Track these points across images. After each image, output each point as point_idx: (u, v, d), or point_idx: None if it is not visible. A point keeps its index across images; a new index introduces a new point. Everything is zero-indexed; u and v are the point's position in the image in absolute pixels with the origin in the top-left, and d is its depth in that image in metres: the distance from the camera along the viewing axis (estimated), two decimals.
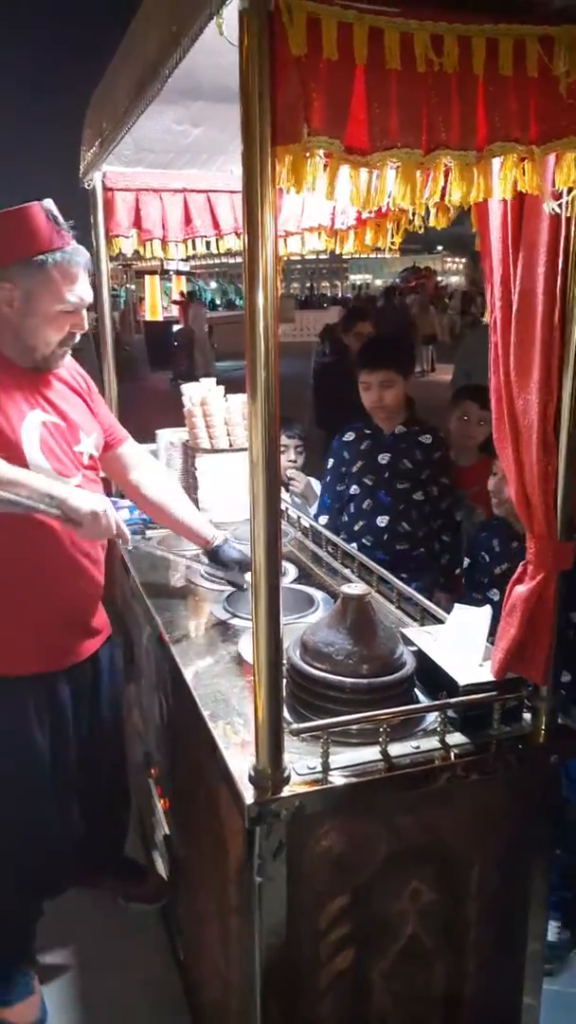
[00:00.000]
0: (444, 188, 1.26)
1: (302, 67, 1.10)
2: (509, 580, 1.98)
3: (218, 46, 1.23)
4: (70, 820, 2.12)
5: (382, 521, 2.74)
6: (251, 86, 1.10)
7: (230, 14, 1.12)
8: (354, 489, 2.83)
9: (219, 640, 1.98)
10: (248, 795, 1.33)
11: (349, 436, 2.88)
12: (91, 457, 2.01)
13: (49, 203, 1.80)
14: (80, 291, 1.83)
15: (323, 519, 2.91)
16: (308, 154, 1.13)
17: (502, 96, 1.19)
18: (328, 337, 5.82)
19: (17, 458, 1.79)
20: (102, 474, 2.13)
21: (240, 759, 1.43)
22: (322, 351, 5.71)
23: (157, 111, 1.98)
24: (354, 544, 2.74)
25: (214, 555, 2.23)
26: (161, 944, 2.33)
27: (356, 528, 2.80)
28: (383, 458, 2.78)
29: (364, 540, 2.75)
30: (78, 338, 1.93)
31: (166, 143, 2.48)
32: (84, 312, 1.88)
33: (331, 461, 2.93)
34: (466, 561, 2.57)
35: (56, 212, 1.80)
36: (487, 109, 1.19)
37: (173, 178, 2.81)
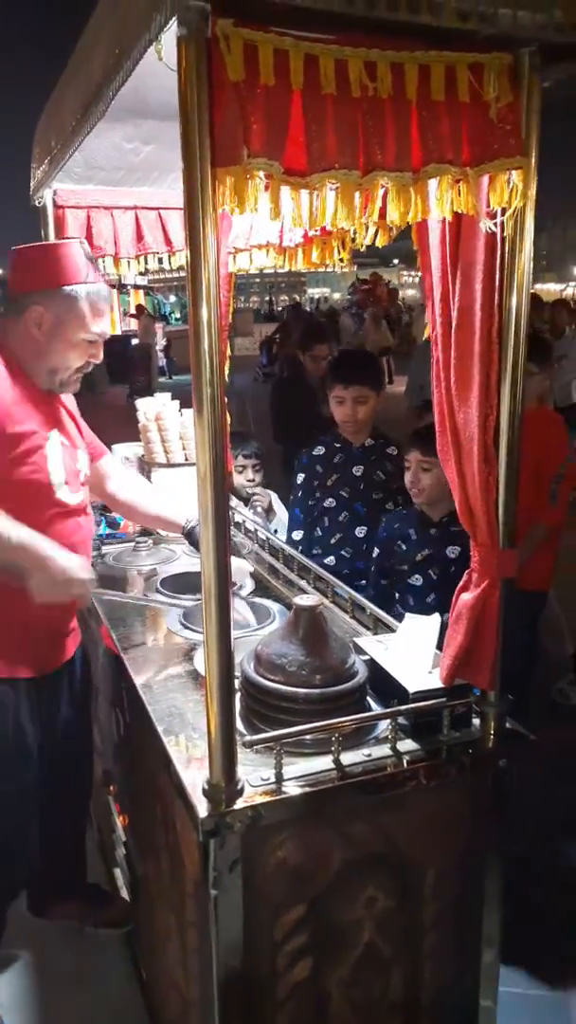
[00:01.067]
0: (383, 208, 1.30)
1: (240, 92, 1.13)
2: (430, 566, 2.04)
3: (164, 67, 1.26)
4: (33, 828, 2.13)
5: (360, 532, 2.77)
6: (190, 110, 1.13)
7: (169, 40, 1.14)
8: (329, 502, 2.83)
9: (175, 655, 1.99)
10: (202, 808, 1.34)
11: (319, 450, 2.90)
12: (86, 475, 2.12)
13: (85, 244, 2.02)
14: (104, 325, 1.98)
15: (297, 534, 2.91)
16: (249, 176, 1.15)
17: (435, 120, 1.23)
18: (267, 348, 5.86)
19: (46, 478, 1.90)
20: None
21: (195, 773, 1.44)
22: (262, 365, 5.74)
23: (106, 129, 2.00)
24: (331, 557, 2.77)
25: (191, 537, 2.29)
26: (123, 962, 2.31)
27: (333, 540, 2.81)
28: (357, 470, 2.81)
29: (343, 552, 2.77)
30: (91, 367, 2.04)
31: (116, 161, 2.49)
32: (101, 345, 2.01)
33: (301, 476, 2.92)
34: (376, 551, 2.60)
35: (90, 252, 2.00)
36: (421, 132, 1.23)
37: (124, 195, 2.82)
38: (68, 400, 2.14)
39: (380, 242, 1.59)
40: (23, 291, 1.91)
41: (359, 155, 1.21)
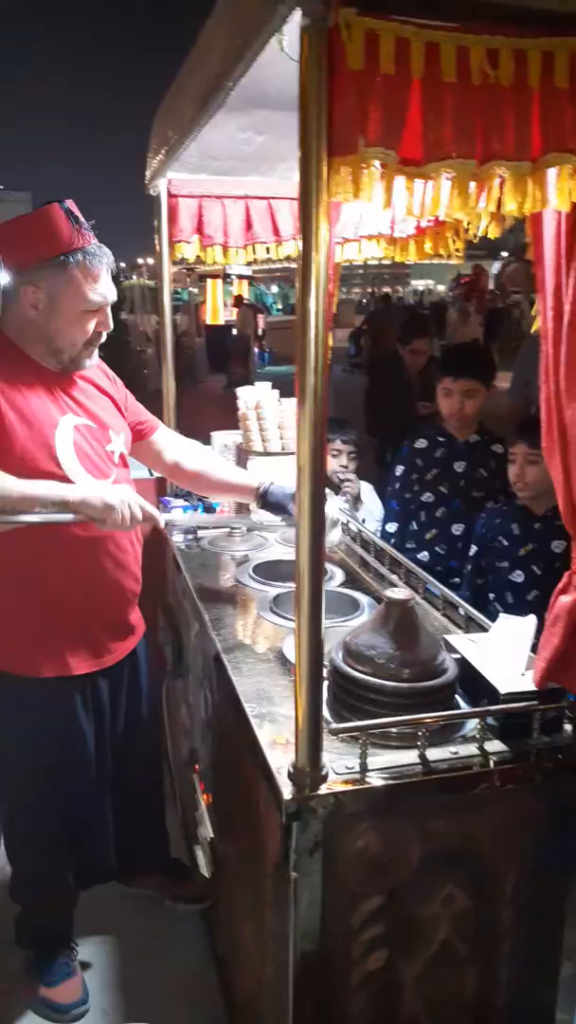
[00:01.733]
0: (499, 199, 1.28)
1: (359, 81, 1.13)
2: (534, 561, 2.05)
3: (282, 56, 1.27)
4: (105, 815, 2.20)
5: (457, 530, 2.73)
6: (310, 99, 1.14)
7: (291, 30, 1.15)
8: (427, 497, 2.81)
9: (264, 640, 2.01)
10: (286, 791, 1.36)
11: (421, 443, 2.86)
12: (121, 456, 2.04)
13: (69, 203, 1.81)
14: (103, 289, 1.84)
15: (391, 527, 2.90)
16: (364, 165, 1.15)
17: (558, 108, 1.20)
18: (355, 339, 5.79)
19: (52, 465, 1.81)
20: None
21: (280, 756, 1.46)
22: (350, 356, 5.66)
23: (222, 120, 2.03)
24: (424, 553, 2.74)
25: (265, 501, 2.24)
26: (201, 938, 2.37)
27: (428, 536, 2.78)
28: (459, 466, 2.77)
29: (438, 548, 2.74)
30: (104, 337, 1.93)
31: (230, 151, 2.53)
32: (108, 311, 1.89)
33: (400, 468, 2.90)
34: (473, 548, 2.54)
35: (76, 212, 1.81)
36: (542, 120, 1.20)
37: (235, 185, 2.86)
38: (97, 376, 2.04)
39: (492, 234, 1.56)
40: (11, 274, 1.81)
41: (476, 144, 1.20)
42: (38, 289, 1.79)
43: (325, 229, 1.18)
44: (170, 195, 2.85)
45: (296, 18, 1.12)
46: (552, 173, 1.25)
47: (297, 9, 1.10)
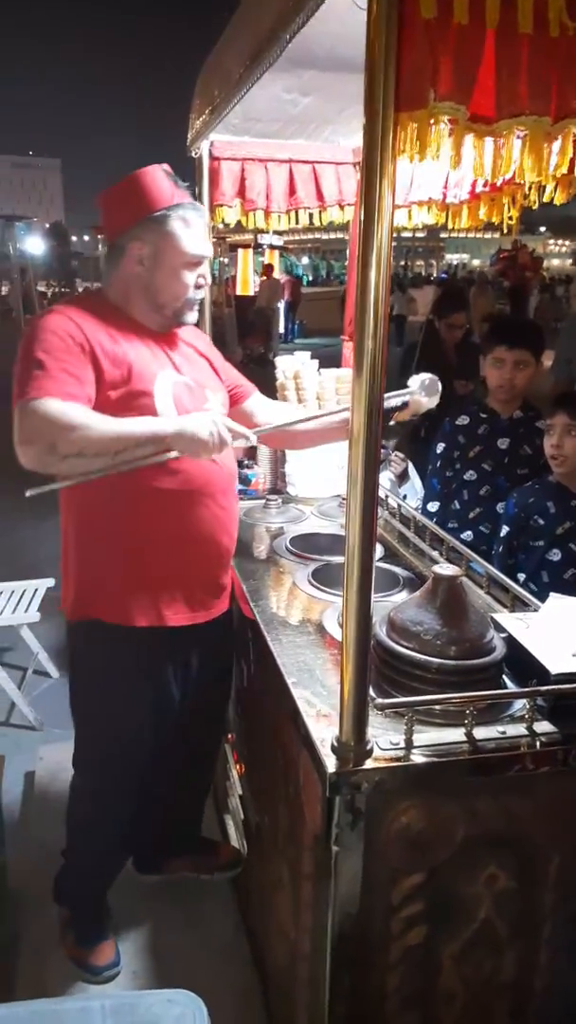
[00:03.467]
0: (573, 160, 1.22)
1: (431, 31, 1.08)
2: (572, 539, 2.06)
3: (337, 13, 1.21)
4: (165, 784, 2.20)
5: (502, 508, 2.65)
6: (378, 49, 1.09)
7: None
8: (469, 475, 2.73)
9: (303, 612, 1.99)
10: (330, 764, 1.34)
11: (463, 420, 2.78)
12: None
13: (166, 166, 1.91)
14: (202, 244, 1.91)
15: (433, 505, 2.83)
16: (433, 121, 1.10)
17: None
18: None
19: (151, 415, 1.80)
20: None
21: (323, 729, 1.44)
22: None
23: (268, 80, 1.97)
24: (468, 532, 2.68)
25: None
26: (231, 905, 2.38)
27: (472, 515, 2.71)
28: (503, 443, 2.70)
29: (481, 527, 2.67)
30: (204, 292, 1.99)
31: (275, 112, 2.47)
32: (208, 266, 1.95)
33: (441, 446, 2.82)
34: (504, 529, 2.48)
35: (172, 173, 1.91)
36: None
37: (279, 148, 2.79)
38: (195, 339, 2.09)
39: (558, 199, 1.50)
40: (118, 233, 1.88)
41: (551, 100, 1.15)
42: (143, 244, 1.86)
43: (389, 187, 1.14)
44: (212, 158, 2.78)
45: None
46: None
47: None
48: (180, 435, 1.71)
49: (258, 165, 2.81)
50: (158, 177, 1.86)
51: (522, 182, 1.56)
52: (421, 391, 2.07)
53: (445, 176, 2.12)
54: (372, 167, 1.13)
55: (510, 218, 1.85)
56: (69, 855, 2.25)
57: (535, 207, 1.75)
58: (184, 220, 1.86)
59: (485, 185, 1.91)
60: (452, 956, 1.49)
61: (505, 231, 2.17)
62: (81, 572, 1.94)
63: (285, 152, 2.82)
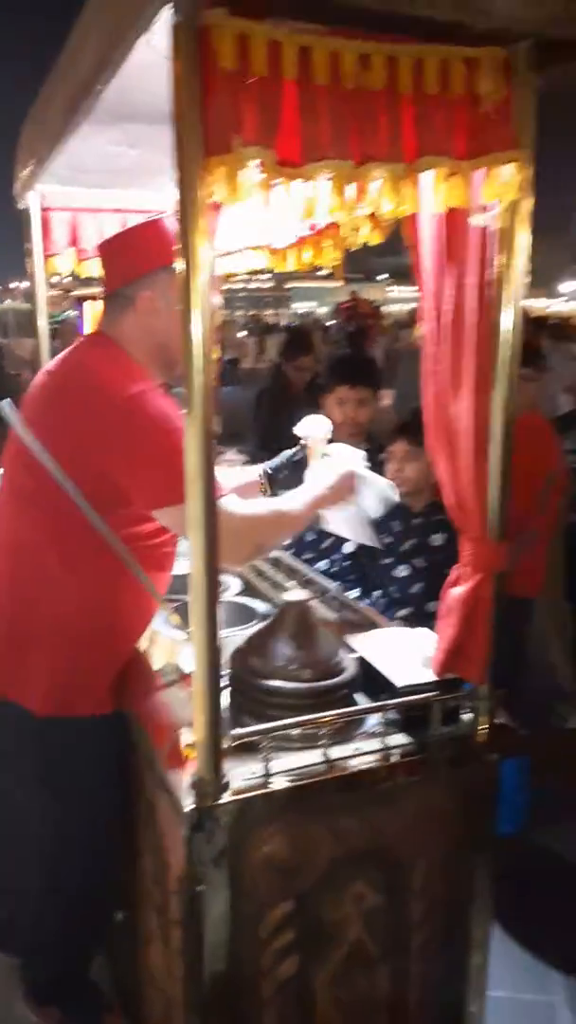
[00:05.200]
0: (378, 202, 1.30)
1: (233, 81, 1.13)
2: (416, 555, 2.16)
3: (153, 68, 1.25)
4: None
5: (348, 548, 2.76)
6: (182, 98, 1.13)
7: (161, 30, 1.14)
8: None
9: (164, 655, 1.96)
10: (188, 802, 1.33)
11: None
12: None
13: (168, 216, 1.86)
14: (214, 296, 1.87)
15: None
16: (241, 165, 1.15)
17: (429, 113, 1.24)
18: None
19: None
20: None
21: (181, 770, 1.42)
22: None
23: (93, 133, 1.99)
24: (323, 562, 2.74)
25: (272, 477, 2.24)
26: (104, 973, 2.26)
27: (324, 546, 2.78)
28: None
29: (334, 556, 2.75)
30: None
31: (103, 164, 2.48)
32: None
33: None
34: (351, 546, 2.60)
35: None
36: (416, 124, 1.23)
37: (111, 198, 2.82)
38: None
39: (375, 240, 1.59)
40: (127, 281, 1.80)
41: (353, 146, 1.22)
42: (157, 295, 1.77)
43: (205, 228, 1.18)
44: (43, 208, 2.77)
45: (166, 16, 1.11)
46: (428, 177, 1.30)
47: (167, 7, 1.09)
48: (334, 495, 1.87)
49: (90, 215, 2.82)
50: (169, 226, 1.80)
51: (340, 225, 1.66)
52: (310, 434, 2.16)
53: (273, 221, 2.20)
54: (187, 211, 1.17)
55: (334, 260, 1.95)
56: (52, 950, 2.01)
57: (357, 248, 1.85)
58: None
59: (311, 229, 2.01)
60: (326, 981, 1.49)
61: (336, 278, 2.30)
62: (63, 663, 1.77)
63: (117, 202, 2.85)
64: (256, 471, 2.26)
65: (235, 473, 2.35)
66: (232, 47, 1.12)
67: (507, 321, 1.40)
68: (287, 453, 2.22)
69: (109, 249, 1.90)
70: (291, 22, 1.15)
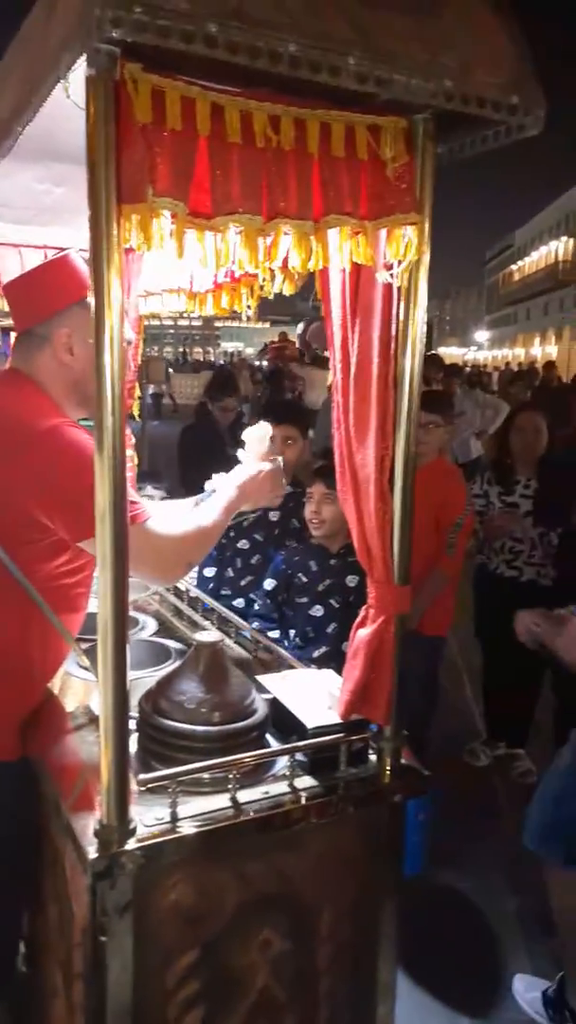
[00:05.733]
0: (288, 257, 1.35)
1: (147, 133, 1.16)
2: (331, 595, 2.21)
3: (76, 110, 1.27)
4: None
5: (267, 585, 2.77)
6: (97, 147, 1.16)
7: (78, 79, 1.17)
8: (242, 543, 2.88)
9: (75, 697, 1.93)
10: (92, 850, 1.30)
11: None
12: None
13: (82, 251, 1.82)
14: (128, 329, 1.80)
15: (209, 571, 2.93)
16: (153, 215, 1.18)
17: (335, 174, 1.29)
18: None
19: None
20: None
21: (87, 816, 1.39)
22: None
23: (17, 170, 2.00)
24: (240, 599, 2.76)
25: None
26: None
27: (243, 583, 2.83)
28: (273, 515, 2.86)
29: (252, 595, 2.77)
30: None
31: (27, 201, 2.49)
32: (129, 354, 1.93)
33: None
34: (271, 582, 2.64)
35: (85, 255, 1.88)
36: (322, 184, 1.29)
37: (35, 234, 2.82)
38: None
39: (288, 290, 1.64)
40: (41, 319, 1.77)
41: (263, 201, 1.26)
42: (71, 332, 1.75)
43: (116, 273, 1.20)
44: None
45: (82, 68, 1.14)
46: (334, 233, 1.35)
47: (82, 59, 1.12)
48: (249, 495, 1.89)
49: (12, 250, 2.82)
50: (80, 262, 1.79)
51: (255, 274, 1.70)
52: (249, 435, 2.18)
53: (191, 266, 2.24)
54: (98, 255, 1.19)
55: (248, 307, 1.99)
56: None
57: (271, 297, 1.90)
58: None
59: (226, 276, 2.05)
60: None
61: (252, 321, 2.34)
62: None
63: (40, 238, 2.85)
64: (188, 503, 2.26)
65: (166, 505, 2.37)
66: (147, 101, 1.16)
67: (408, 370, 1.46)
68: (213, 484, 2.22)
69: (19, 288, 1.88)
70: (204, 81, 1.19)
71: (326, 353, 1.72)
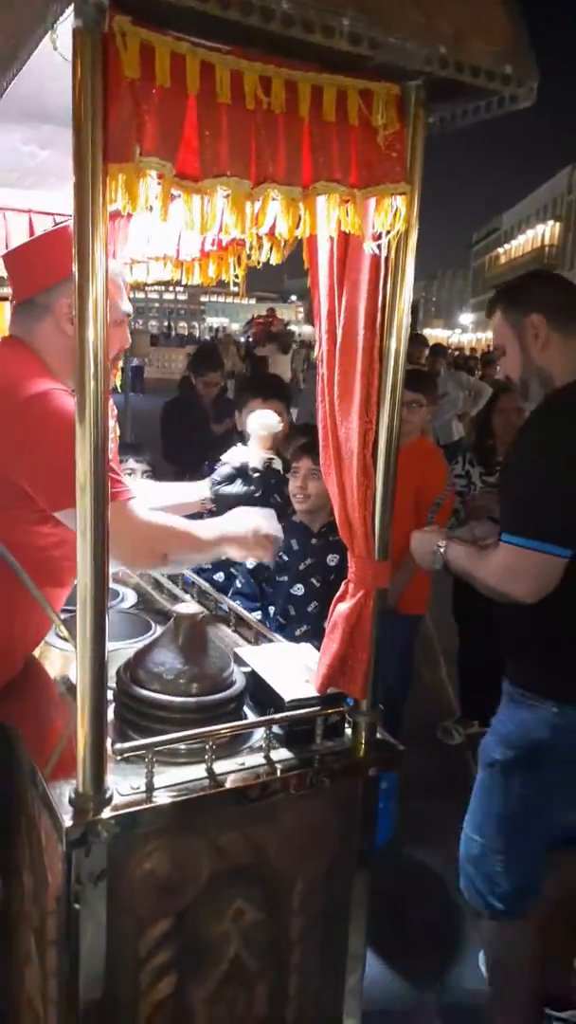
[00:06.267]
0: (275, 224, 1.33)
1: (135, 90, 1.13)
2: (312, 575, 2.20)
3: (65, 69, 1.24)
4: None
5: (249, 563, 2.76)
6: (84, 102, 1.13)
7: (66, 31, 1.13)
8: None
9: (55, 668, 1.92)
10: (67, 818, 1.29)
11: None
12: None
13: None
14: (126, 303, 1.84)
15: None
16: (140, 175, 1.15)
17: (326, 140, 1.27)
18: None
19: None
20: None
21: (63, 785, 1.38)
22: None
23: (3, 130, 1.96)
24: (220, 574, 2.74)
25: (219, 498, 2.23)
26: None
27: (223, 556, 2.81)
28: (256, 491, 2.82)
29: (232, 569, 2.75)
30: (121, 357, 1.92)
31: (11, 163, 2.44)
32: (128, 327, 1.89)
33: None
34: (251, 562, 2.64)
35: None
36: (312, 150, 1.26)
37: (18, 197, 2.76)
38: None
39: (275, 259, 1.62)
40: (42, 288, 1.75)
41: (251, 165, 1.24)
42: (71, 302, 1.68)
43: (102, 232, 1.17)
44: None
45: (70, 19, 1.11)
46: (322, 201, 1.33)
47: (70, 9, 1.08)
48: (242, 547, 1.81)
49: None
50: None
51: (243, 242, 1.67)
52: (264, 423, 2.22)
53: (178, 233, 2.21)
54: (83, 216, 1.16)
55: (236, 276, 1.96)
56: None
57: (259, 266, 1.87)
58: (113, 275, 1.71)
59: (213, 244, 2.02)
60: (204, 999, 1.47)
61: (240, 296, 2.31)
62: None
63: (25, 202, 2.80)
64: (193, 486, 2.27)
65: (178, 488, 2.36)
66: (135, 56, 1.12)
67: (393, 346, 1.44)
68: (225, 469, 2.25)
69: (19, 257, 1.86)
70: (194, 37, 1.16)
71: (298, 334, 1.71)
